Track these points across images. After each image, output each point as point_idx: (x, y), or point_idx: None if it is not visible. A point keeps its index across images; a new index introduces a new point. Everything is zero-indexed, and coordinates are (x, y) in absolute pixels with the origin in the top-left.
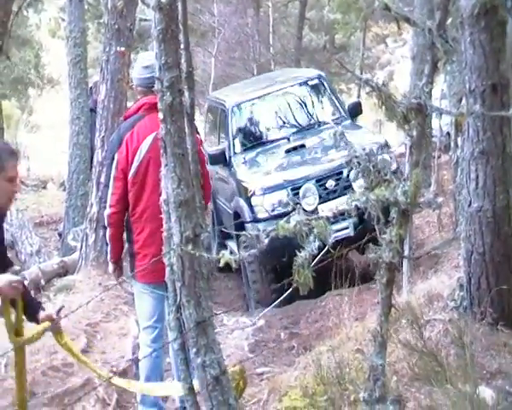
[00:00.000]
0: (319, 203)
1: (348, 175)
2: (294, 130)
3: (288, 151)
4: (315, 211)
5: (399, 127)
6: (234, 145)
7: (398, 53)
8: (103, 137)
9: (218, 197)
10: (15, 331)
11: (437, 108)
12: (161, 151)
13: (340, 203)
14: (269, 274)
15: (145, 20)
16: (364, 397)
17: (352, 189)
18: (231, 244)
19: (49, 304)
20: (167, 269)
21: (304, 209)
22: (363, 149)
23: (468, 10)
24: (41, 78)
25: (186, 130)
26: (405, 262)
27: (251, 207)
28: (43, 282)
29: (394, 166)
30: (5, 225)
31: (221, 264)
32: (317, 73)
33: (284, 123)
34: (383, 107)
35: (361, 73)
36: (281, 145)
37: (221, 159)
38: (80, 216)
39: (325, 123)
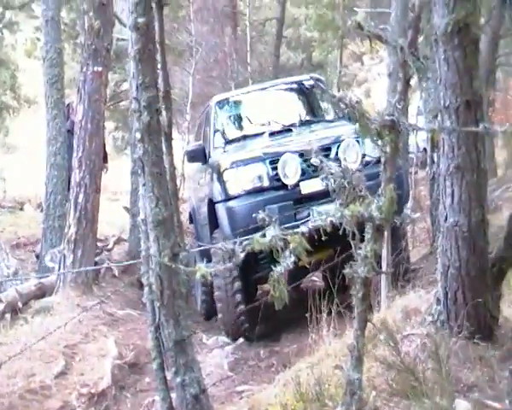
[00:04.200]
0: (302, 180)
1: (337, 153)
2: (282, 126)
3: (271, 134)
4: (296, 187)
5: (373, 143)
6: (214, 140)
7: (375, 70)
8: (80, 157)
9: (199, 212)
10: None
11: (410, 124)
12: (139, 171)
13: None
14: (236, 294)
15: (122, 39)
16: None
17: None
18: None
19: (27, 326)
20: (146, 289)
21: (283, 184)
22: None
23: (441, 28)
24: (17, 98)
25: (164, 149)
26: (383, 278)
27: (223, 184)
28: (20, 304)
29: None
30: None
31: (197, 276)
32: (314, 76)
33: (271, 119)
34: (357, 124)
35: (338, 91)
36: (265, 135)
37: (199, 155)
38: (58, 237)
39: (317, 121)
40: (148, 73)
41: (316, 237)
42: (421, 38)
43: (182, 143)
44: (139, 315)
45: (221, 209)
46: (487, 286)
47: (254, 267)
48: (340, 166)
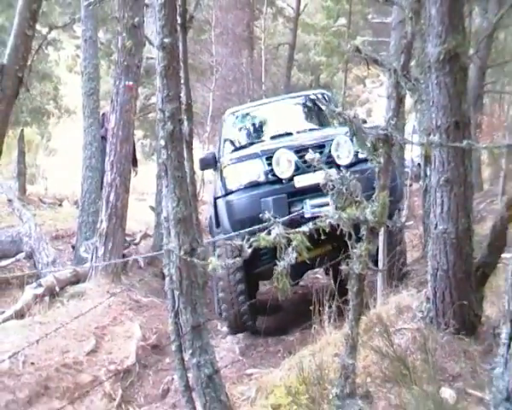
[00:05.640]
0: (296, 174)
1: (330, 150)
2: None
3: (273, 137)
4: (290, 181)
5: (369, 155)
6: (224, 147)
7: (376, 92)
8: (112, 161)
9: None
10: None
11: (401, 138)
12: (162, 174)
13: (321, 177)
14: (239, 284)
15: (151, 58)
16: (336, 393)
17: (336, 164)
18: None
19: (63, 308)
20: (167, 279)
21: (278, 179)
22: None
23: (434, 56)
24: (59, 108)
25: (185, 155)
26: (379, 277)
27: (223, 180)
28: (57, 288)
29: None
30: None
31: (209, 268)
32: (320, 91)
33: (279, 129)
34: (355, 136)
35: (342, 109)
36: (267, 138)
37: (210, 162)
38: (91, 231)
39: (319, 129)
40: (173, 87)
41: (315, 235)
42: (412, 63)
43: (203, 151)
44: (161, 302)
45: (221, 203)
46: (472, 288)
47: (256, 262)
48: (332, 161)
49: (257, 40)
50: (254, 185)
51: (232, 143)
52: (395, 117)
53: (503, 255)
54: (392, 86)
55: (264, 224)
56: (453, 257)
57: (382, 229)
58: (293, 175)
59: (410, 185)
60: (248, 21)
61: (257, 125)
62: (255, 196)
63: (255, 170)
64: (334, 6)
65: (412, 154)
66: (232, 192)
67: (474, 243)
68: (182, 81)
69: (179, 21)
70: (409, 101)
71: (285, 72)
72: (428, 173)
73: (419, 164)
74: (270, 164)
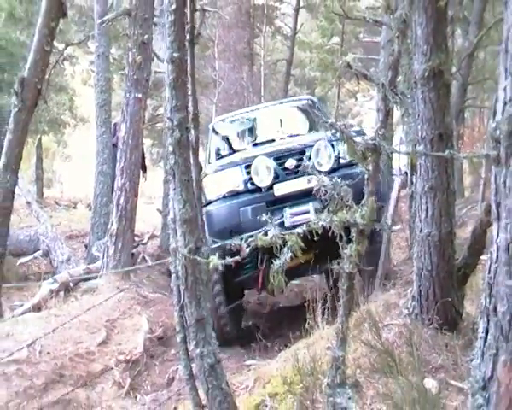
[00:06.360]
0: (275, 182)
1: (311, 157)
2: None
3: (255, 145)
4: (269, 189)
5: (359, 163)
6: (210, 156)
7: (367, 106)
8: (122, 167)
9: None
10: None
11: (389, 147)
12: (170, 178)
13: (301, 184)
14: (217, 297)
15: (159, 72)
16: (328, 382)
17: (317, 170)
18: None
19: (76, 302)
20: (173, 276)
21: (257, 187)
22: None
23: (420, 73)
24: (74, 118)
25: (191, 161)
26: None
27: (202, 190)
28: (71, 284)
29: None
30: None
31: (210, 266)
32: (307, 97)
33: (263, 136)
34: (345, 145)
35: (336, 121)
36: (249, 146)
37: None
38: (103, 231)
39: (303, 134)
40: (181, 98)
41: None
42: (400, 78)
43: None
44: (167, 298)
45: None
46: (453, 287)
47: (238, 271)
48: (313, 167)
49: (257, 56)
50: (233, 195)
51: (217, 152)
52: (383, 128)
53: (482, 257)
54: (381, 100)
55: (243, 235)
56: (436, 258)
57: (385, 234)
58: (273, 183)
59: (398, 192)
60: (249, 39)
61: (241, 133)
62: (234, 205)
63: (234, 179)
64: (328, 26)
65: (399, 163)
66: (211, 202)
67: (455, 245)
68: (189, 93)
69: (187, 37)
70: (396, 114)
71: (283, 86)
72: (414, 181)
73: (406, 172)
74: (249, 172)
